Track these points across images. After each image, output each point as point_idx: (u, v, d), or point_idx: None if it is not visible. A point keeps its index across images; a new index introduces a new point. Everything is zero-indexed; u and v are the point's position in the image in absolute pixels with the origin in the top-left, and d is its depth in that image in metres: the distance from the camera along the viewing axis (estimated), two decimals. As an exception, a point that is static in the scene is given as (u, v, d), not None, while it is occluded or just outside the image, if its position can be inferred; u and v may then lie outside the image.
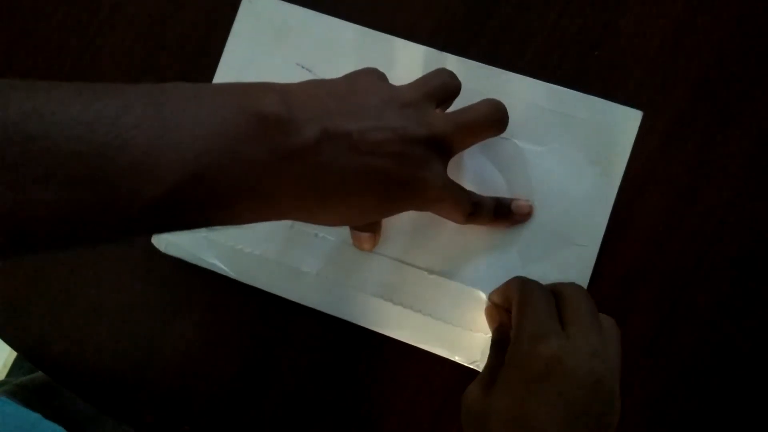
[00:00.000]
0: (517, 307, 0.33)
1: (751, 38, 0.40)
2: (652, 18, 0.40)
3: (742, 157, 0.39)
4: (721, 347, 0.38)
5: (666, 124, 0.40)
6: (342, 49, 0.41)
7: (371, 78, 0.32)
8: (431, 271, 0.39)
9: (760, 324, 0.38)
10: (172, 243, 0.40)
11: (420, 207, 0.34)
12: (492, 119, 0.34)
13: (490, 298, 0.38)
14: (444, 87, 0.34)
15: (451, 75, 0.35)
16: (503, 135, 0.39)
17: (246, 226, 0.39)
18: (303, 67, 0.41)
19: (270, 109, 0.27)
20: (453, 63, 0.40)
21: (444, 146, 0.32)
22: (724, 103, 0.40)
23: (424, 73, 0.35)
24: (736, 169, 0.39)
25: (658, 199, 0.39)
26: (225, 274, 0.40)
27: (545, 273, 0.38)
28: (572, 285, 0.34)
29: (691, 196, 0.39)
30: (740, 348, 0.38)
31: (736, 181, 0.39)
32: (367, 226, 0.37)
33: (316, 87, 0.30)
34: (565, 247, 0.38)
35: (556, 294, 0.33)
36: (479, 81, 0.39)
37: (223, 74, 0.41)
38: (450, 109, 0.35)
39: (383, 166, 0.30)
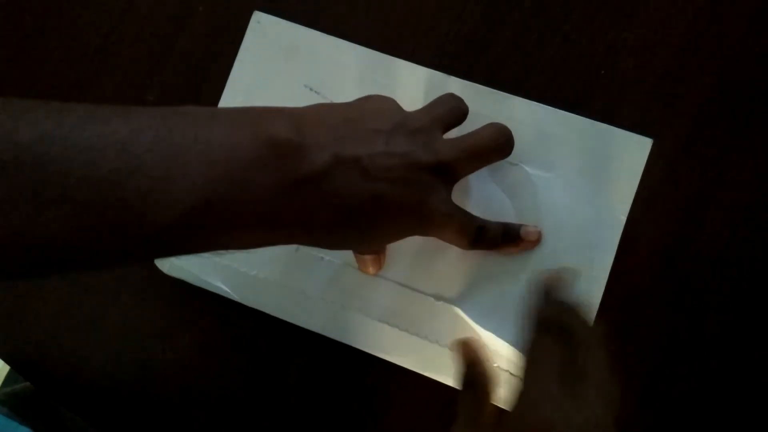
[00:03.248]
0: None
1: (757, 59, 0.40)
2: (658, 38, 0.40)
3: (748, 179, 0.39)
4: (727, 372, 0.38)
5: (672, 146, 0.39)
6: (349, 71, 0.41)
7: (381, 103, 0.32)
8: (438, 298, 0.38)
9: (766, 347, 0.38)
10: (175, 265, 0.39)
11: (425, 232, 0.34)
12: (497, 143, 0.34)
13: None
14: (451, 113, 0.34)
15: (459, 100, 0.35)
16: (512, 161, 0.39)
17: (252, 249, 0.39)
18: (311, 89, 0.41)
19: (281, 134, 0.27)
20: (458, 86, 0.40)
21: (450, 172, 0.32)
22: (730, 125, 0.39)
23: (430, 97, 0.35)
24: (742, 192, 0.39)
25: (665, 223, 0.39)
26: (229, 297, 0.39)
27: (553, 301, 0.38)
28: (583, 322, 0.31)
29: (697, 219, 0.39)
30: (747, 373, 0.38)
31: (742, 204, 0.39)
32: (371, 250, 0.37)
33: (327, 111, 0.31)
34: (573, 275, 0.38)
35: (571, 335, 0.30)
36: (486, 106, 0.39)
37: (231, 94, 0.41)
38: (455, 133, 0.35)
39: (391, 192, 0.30)
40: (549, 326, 0.31)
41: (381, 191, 0.29)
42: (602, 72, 0.40)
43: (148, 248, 0.26)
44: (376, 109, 0.31)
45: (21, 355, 0.41)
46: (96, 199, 0.23)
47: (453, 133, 0.35)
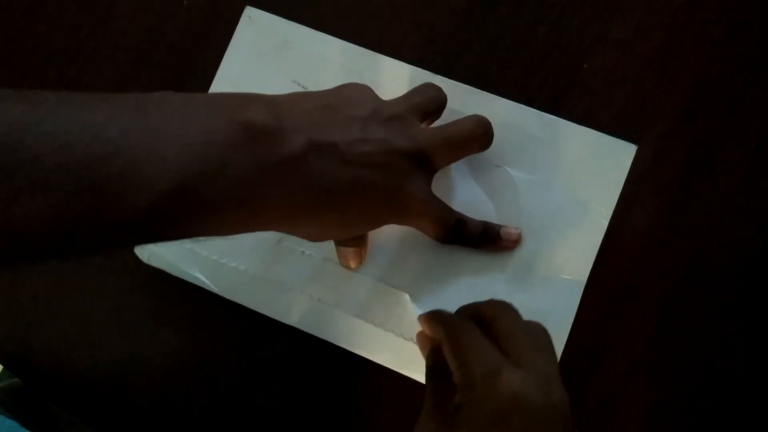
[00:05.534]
0: (450, 348, 0.30)
1: (740, 55, 0.40)
2: (639, 36, 0.40)
3: (728, 178, 0.39)
4: (704, 370, 0.38)
5: (652, 146, 0.39)
6: (336, 67, 0.41)
7: (358, 90, 0.33)
8: (415, 296, 0.38)
9: (742, 345, 0.38)
10: (155, 254, 0.39)
11: (403, 221, 0.34)
12: (476, 134, 0.35)
13: (420, 321, 0.36)
14: (429, 101, 0.35)
15: (437, 89, 0.35)
16: (495, 162, 0.39)
17: (232, 239, 0.39)
18: (298, 84, 0.41)
19: (257, 119, 0.27)
20: (443, 84, 0.39)
21: (428, 160, 0.33)
22: (712, 123, 0.39)
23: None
24: (723, 193, 0.39)
25: (646, 226, 0.39)
26: (208, 288, 0.39)
27: (531, 302, 0.37)
28: (494, 304, 0.32)
29: (679, 222, 0.39)
30: (724, 370, 0.38)
31: (722, 205, 0.39)
32: (351, 242, 0.37)
33: (303, 98, 0.31)
34: (552, 277, 0.38)
35: (481, 319, 0.31)
36: (470, 106, 0.39)
37: (218, 88, 0.41)
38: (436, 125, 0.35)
39: (368, 177, 0.30)
40: (469, 314, 0.32)
41: (357, 176, 0.29)
42: (585, 66, 0.40)
43: (125, 234, 0.25)
44: (353, 96, 0.32)
45: (8, 350, 0.41)
46: (71, 185, 0.23)
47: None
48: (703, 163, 0.39)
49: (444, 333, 0.31)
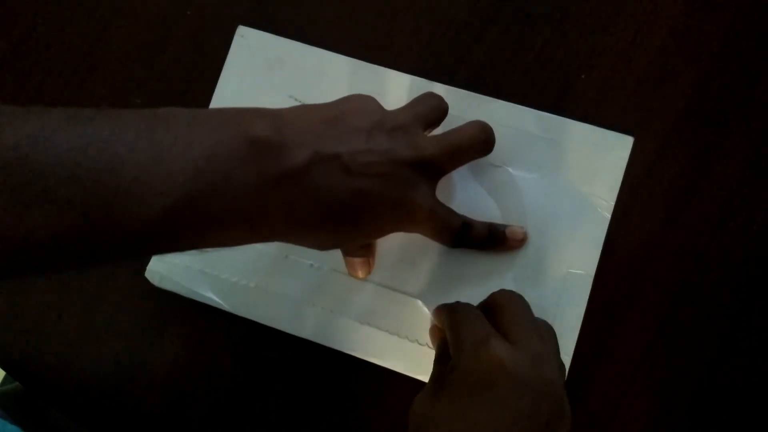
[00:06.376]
0: (449, 329, 0.32)
1: (737, 61, 0.40)
2: (638, 41, 0.41)
3: (728, 178, 0.39)
4: (707, 368, 0.38)
5: (653, 146, 0.40)
6: (332, 80, 0.41)
7: (361, 102, 0.33)
8: (425, 299, 0.39)
9: (745, 345, 0.38)
10: (166, 278, 0.40)
11: (409, 228, 0.34)
12: (478, 140, 0.35)
13: (432, 314, 0.37)
14: (432, 111, 0.35)
15: (439, 98, 0.36)
16: (495, 162, 0.39)
17: (240, 257, 0.39)
18: (295, 99, 0.42)
19: (261, 133, 0.28)
20: (441, 91, 0.40)
21: (432, 168, 0.33)
22: (711, 125, 0.40)
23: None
24: (722, 191, 0.39)
25: (646, 220, 0.39)
26: (220, 307, 0.39)
27: (541, 299, 0.38)
28: (504, 292, 0.33)
29: (678, 217, 0.39)
30: (725, 369, 0.38)
31: (722, 203, 0.39)
32: (359, 251, 0.37)
33: (306, 111, 0.31)
34: (560, 273, 0.38)
35: (490, 305, 0.32)
36: (469, 110, 0.40)
37: (217, 106, 0.42)
38: (438, 132, 0.35)
39: (372, 187, 0.30)
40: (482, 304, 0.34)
41: (362, 187, 0.30)
42: (582, 76, 0.41)
43: (132, 246, 0.26)
44: (356, 108, 0.32)
45: (10, 355, 0.41)
46: (78, 198, 0.24)
47: (435, 133, 0.36)
48: (702, 161, 0.40)
49: (446, 316, 0.33)
